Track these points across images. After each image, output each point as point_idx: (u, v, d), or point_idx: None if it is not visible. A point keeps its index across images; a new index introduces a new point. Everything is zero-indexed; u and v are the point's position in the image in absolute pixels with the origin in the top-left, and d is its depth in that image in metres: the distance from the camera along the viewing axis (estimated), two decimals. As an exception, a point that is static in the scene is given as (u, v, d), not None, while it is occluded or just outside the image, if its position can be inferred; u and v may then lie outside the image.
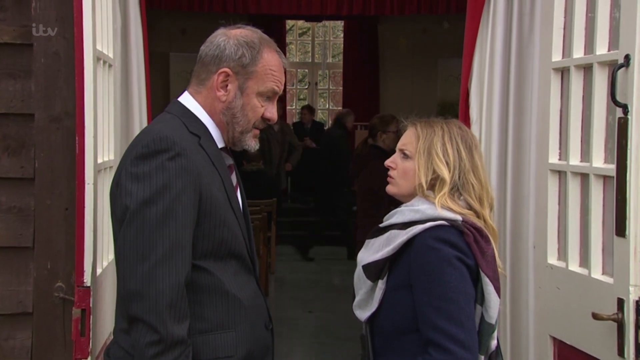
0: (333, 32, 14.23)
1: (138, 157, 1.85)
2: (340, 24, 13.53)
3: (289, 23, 13.58)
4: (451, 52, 11.21)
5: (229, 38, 2.01)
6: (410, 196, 2.10)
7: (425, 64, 12.10)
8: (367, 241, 2.15)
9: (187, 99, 2.05)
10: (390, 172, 2.14)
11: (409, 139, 2.11)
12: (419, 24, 11.99)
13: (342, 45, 13.36)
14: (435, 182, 2.04)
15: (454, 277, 1.89)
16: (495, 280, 1.97)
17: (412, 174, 2.07)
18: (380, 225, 2.12)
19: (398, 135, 5.38)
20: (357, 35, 12.67)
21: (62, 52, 2.60)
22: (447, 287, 1.88)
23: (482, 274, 1.95)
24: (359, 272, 2.09)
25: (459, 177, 2.03)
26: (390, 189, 2.15)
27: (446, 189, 2.01)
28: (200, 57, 2.04)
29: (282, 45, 12.95)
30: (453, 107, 10.77)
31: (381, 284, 2.01)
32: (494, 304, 1.97)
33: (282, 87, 2.07)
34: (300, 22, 13.97)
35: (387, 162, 2.15)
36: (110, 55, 2.73)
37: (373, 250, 2.07)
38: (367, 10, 10.71)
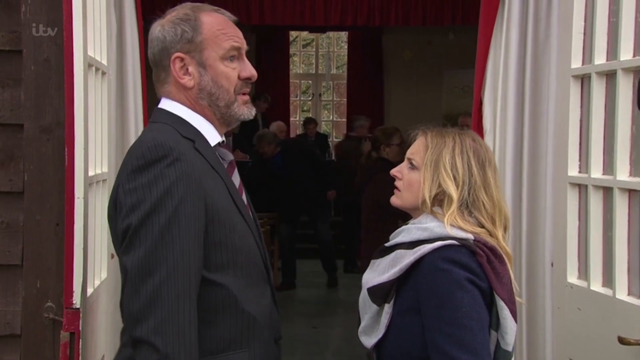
0: (337, 43, 14.15)
1: (134, 170, 1.70)
2: (344, 35, 13.45)
3: (293, 34, 13.49)
4: (456, 63, 11.16)
5: (163, 26, 1.86)
6: (416, 210, 1.96)
7: (430, 76, 12.00)
8: (372, 261, 2.00)
9: (166, 104, 1.89)
10: (396, 183, 2.00)
11: (417, 149, 1.97)
12: (423, 35, 11.90)
13: (346, 57, 13.28)
14: (442, 198, 1.89)
15: (465, 301, 1.75)
16: (511, 304, 1.83)
17: (417, 186, 1.93)
18: (386, 244, 1.98)
19: (402, 147, 5.30)
20: (361, 47, 12.59)
21: (53, 59, 2.48)
22: (459, 312, 1.74)
23: (497, 297, 1.80)
24: (363, 296, 1.95)
25: (469, 193, 1.88)
26: (394, 200, 2.01)
27: (454, 206, 1.86)
28: (151, 60, 1.90)
29: (285, 57, 12.88)
30: (458, 119, 10.71)
31: (388, 308, 1.87)
32: (510, 329, 1.82)
33: (243, 41, 1.90)
34: (304, 33, 13.89)
35: (393, 172, 2.01)
36: (104, 62, 2.60)
37: (378, 272, 1.92)
38: (372, 21, 10.60)
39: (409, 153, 1.99)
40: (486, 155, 1.93)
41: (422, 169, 1.92)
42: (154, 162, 1.68)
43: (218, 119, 1.89)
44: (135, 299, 1.64)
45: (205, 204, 1.71)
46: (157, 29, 1.86)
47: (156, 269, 1.63)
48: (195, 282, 1.68)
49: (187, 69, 1.84)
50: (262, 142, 7.84)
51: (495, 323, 1.81)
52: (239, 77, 1.87)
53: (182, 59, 1.83)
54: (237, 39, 1.87)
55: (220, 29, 1.85)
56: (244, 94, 1.89)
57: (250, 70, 1.89)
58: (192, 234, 1.67)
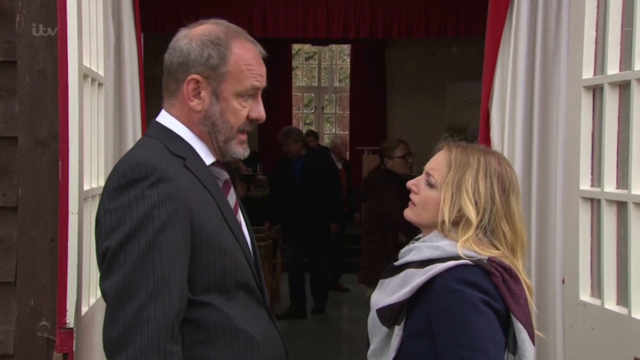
0: (340, 56, 14.14)
1: (115, 189, 1.63)
2: (346, 47, 13.45)
3: (295, 47, 13.48)
4: (459, 75, 11.14)
5: (191, 40, 1.78)
6: (430, 228, 1.87)
7: (433, 88, 11.98)
8: (380, 281, 1.92)
9: (164, 117, 1.83)
10: (412, 196, 1.91)
11: (438, 165, 1.87)
12: (426, 47, 11.88)
13: (348, 69, 13.25)
14: (459, 220, 1.80)
15: (480, 323, 1.67)
16: (529, 326, 1.75)
17: (433, 205, 1.84)
18: (395, 263, 1.89)
19: (406, 159, 5.23)
20: (364, 59, 12.58)
21: (49, 70, 2.40)
22: (474, 334, 1.66)
23: (514, 319, 1.73)
24: (372, 317, 1.86)
25: (489, 221, 1.79)
26: (408, 214, 1.92)
27: (471, 232, 1.78)
28: (166, 66, 1.82)
29: (288, 70, 12.86)
30: (462, 132, 10.64)
31: (398, 330, 1.79)
32: (529, 352, 1.75)
33: (264, 79, 1.83)
34: (307, 46, 13.88)
35: (409, 184, 1.92)
36: (101, 73, 2.53)
37: (388, 292, 1.84)
38: (374, 33, 10.57)
39: (429, 167, 1.90)
40: (511, 181, 1.84)
41: (442, 189, 1.83)
42: (134, 181, 1.61)
43: (214, 148, 1.83)
44: (114, 326, 1.57)
45: (191, 226, 1.65)
46: (184, 41, 1.78)
47: (135, 294, 1.56)
48: (178, 308, 1.61)
49: (200, 92, 1.77)
50: (288, 140, 7.20)
51: (512, 346, 1.75)
52: (247, 117, 1.81)
53: (197, 82, 1.76)
54: (260, 78, 1.81)
55: (247, 65, 1.78)
56: (244, 132, 1.83)
57: (259, 112, 1.83)
58: (175, 258, 1.60)
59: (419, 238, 1.93)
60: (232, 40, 1.77)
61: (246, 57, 1.78)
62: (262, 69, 1.82)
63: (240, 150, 1.84)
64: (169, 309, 1.58)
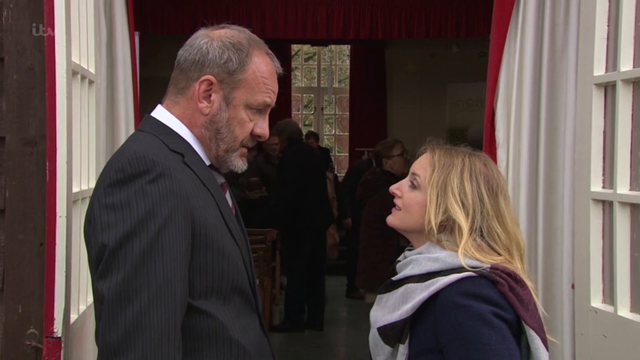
0: (339, 56, 14.05)
1: (112, 184, 1.55)
2: (346, 48, 13.35)
3: (295, 47, 13.39)
4: (460, 76, 11.04)
5: (212, 40, 1.72)
6: (414, 233, 1.80)
7: (434, 89, 11.88)
8: (379, 297, 1.83)
9: (161, 113, 1.75)
10: (395, 200, 1.84)
11: (422, 166, 1.81)
12: (427, 48, 11.80)
13: (348, 70, 13.16)
14: (447, 225, 1.72)
15: (493, 338, 1.59)
16: (541, 331, 1.68)
17: (416, 208, 1.77)
18: (393, 278, 1.80)
19: (405, 157, 5.15)
20: (363, 60, 12.49)
21: (38, 67, 2.31)
22: (488, 351, 1.57)
23: (526, 327, 1.65)
24: (374, 336, 1.77)
25: (482, 222, 1.72)
26: (391, 220, 1.84)
27: (466, 236, 1.69)
28: (179, 62, 1.75)
29: (287, 70, 12.77)
30: (462, 133, 10.55)
31: (403, 349, 1.70)
32: (543, 359, 1.67)
33: (275, 98, 1.78)
34: (306, 47, 13.79)
35: (392, 188, 1.85)
36: (92, 70, 2.43)
37: (388, 309, 1.75)
38: (374, 34, 10.50)
39: (413, 168, 1.83)
40: (498, 183, 1.76)
41: (427, 191, 1.75)
42: (134, 177, 1.53)
43: (212, 155, 1.76)
44: (112, 330, 1.48)
45: (192, 225, 1.56)
46: (204, 39, 1.72)
47: (136, 296, 1.47)
48: (180, 312, 1.53)
49: (210, 96, 1.70)
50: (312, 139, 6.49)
51: (525, 353, 1.67)
52: (251, 131, 1.75)
53: (211, 83, 1.69)
54: (272, 95, 1.76)
55: (263, 77, 1.73)
56: (245, 147, 1.78)
57: (264, 129, 1.77)
58: (178, 259, 1.52)
59: (411, 248, 1.85)
60: (253, 49, 1.72)
61: (264, 69, 1.73)
62: (276, 86, 1.77)
63: (240, 163, 1.78)
64: (172, 313, 1.50)
